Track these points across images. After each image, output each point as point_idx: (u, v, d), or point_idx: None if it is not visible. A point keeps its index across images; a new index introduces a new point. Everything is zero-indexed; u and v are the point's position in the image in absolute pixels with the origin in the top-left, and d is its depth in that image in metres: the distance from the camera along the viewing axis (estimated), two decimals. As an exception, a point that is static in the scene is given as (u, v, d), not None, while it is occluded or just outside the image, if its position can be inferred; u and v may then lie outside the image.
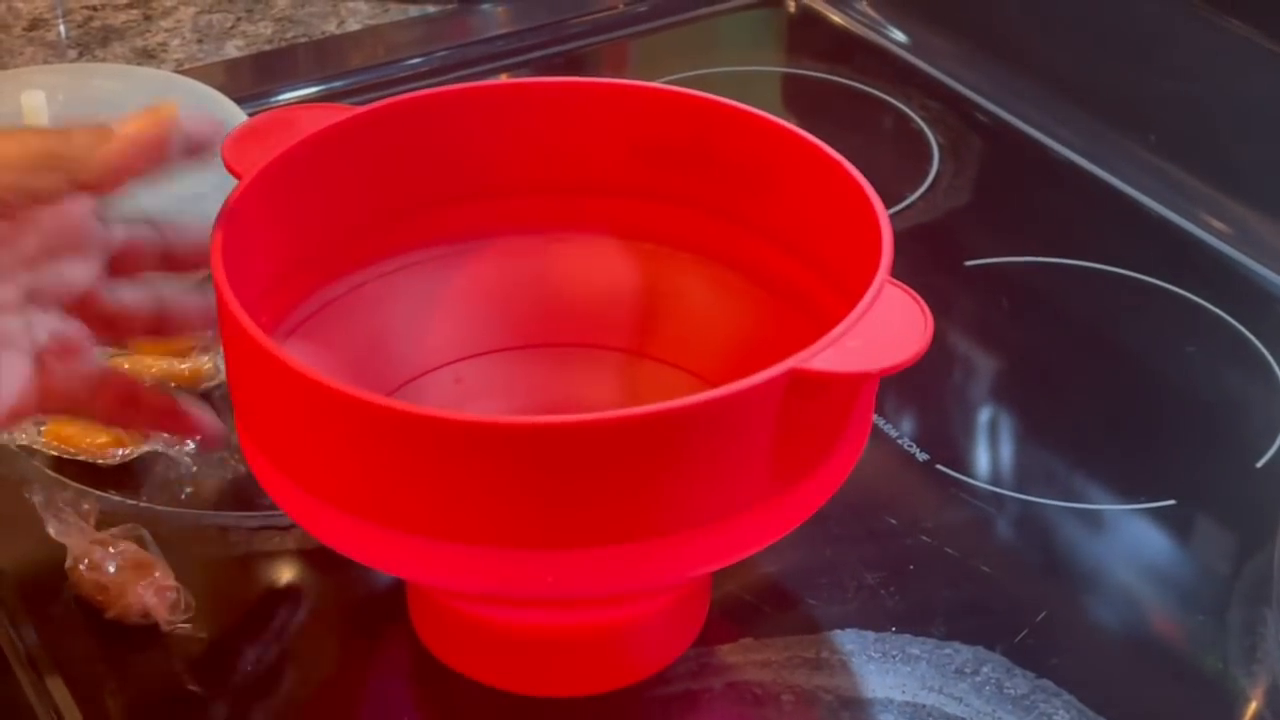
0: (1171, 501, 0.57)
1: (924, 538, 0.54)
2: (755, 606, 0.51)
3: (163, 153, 0.42)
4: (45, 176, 0.41)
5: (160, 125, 0.42)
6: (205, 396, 0.59)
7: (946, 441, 0.59)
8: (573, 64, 0.85)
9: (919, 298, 0.41)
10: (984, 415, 0.63)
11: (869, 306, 0.41)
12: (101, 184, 0.42)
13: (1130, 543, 0.56)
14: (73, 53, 0.82)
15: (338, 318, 0.51)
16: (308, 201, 0.49)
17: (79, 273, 0.44)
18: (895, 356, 0.39)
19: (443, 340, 0.53)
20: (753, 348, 0.42)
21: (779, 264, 0.50)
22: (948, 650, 0.50)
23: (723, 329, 0.52)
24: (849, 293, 0.43)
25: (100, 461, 0.55)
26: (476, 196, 0.53)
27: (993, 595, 0.52)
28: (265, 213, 0.46)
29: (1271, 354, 0.64)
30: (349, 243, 0.51)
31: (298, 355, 0.41)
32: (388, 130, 0.50)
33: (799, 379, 0.38)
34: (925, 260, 0.69)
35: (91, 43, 0.83)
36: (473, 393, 0.52)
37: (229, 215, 0.44)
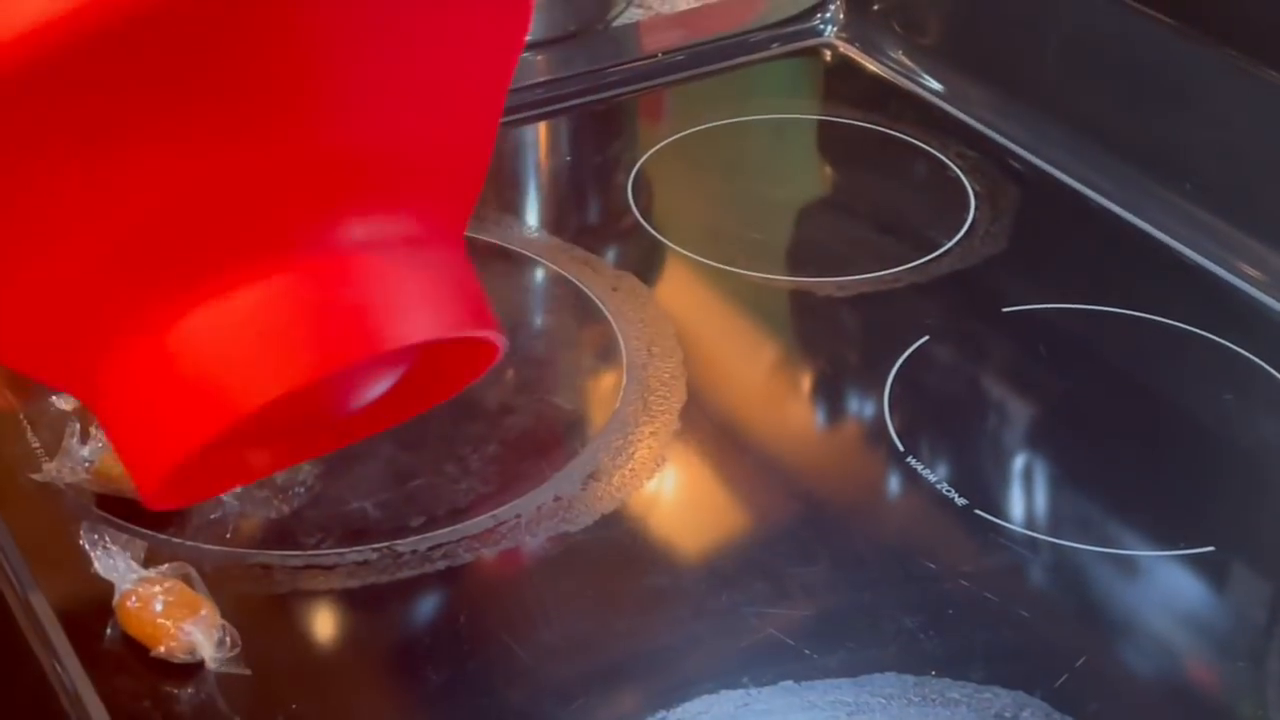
0: (1210, 548, 0.57)
1: (963, 582, 0.54)
2: (795, 649, 0.52)
3: None
4: None
5: None
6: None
7: (984, 486, 0.59)
8: (612, 110, 0.87)
9: None
10: (1022, 460, 0.63)
11: None
12: None
13: (1169, 589, 0.56)
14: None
15: None
16: None
17: None
18: None
19: None
20: None
21: None
22: (987, 694, 0.50)
23: None
24: None
25: (147, 500, 0.56)
26: None
27: (1032, 640, 0.53)
28: None
29: (1309, 402, 0.64)
30: None
31: None
32: None
33: None
34: (963, 306, 0.69)
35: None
36: None
37: None
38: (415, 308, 0.40)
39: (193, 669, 0.50)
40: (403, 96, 0.40)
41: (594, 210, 0.80)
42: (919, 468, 0.60)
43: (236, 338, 0.39)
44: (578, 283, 0.70)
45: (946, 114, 0.86)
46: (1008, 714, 0.49)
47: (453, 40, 0.41)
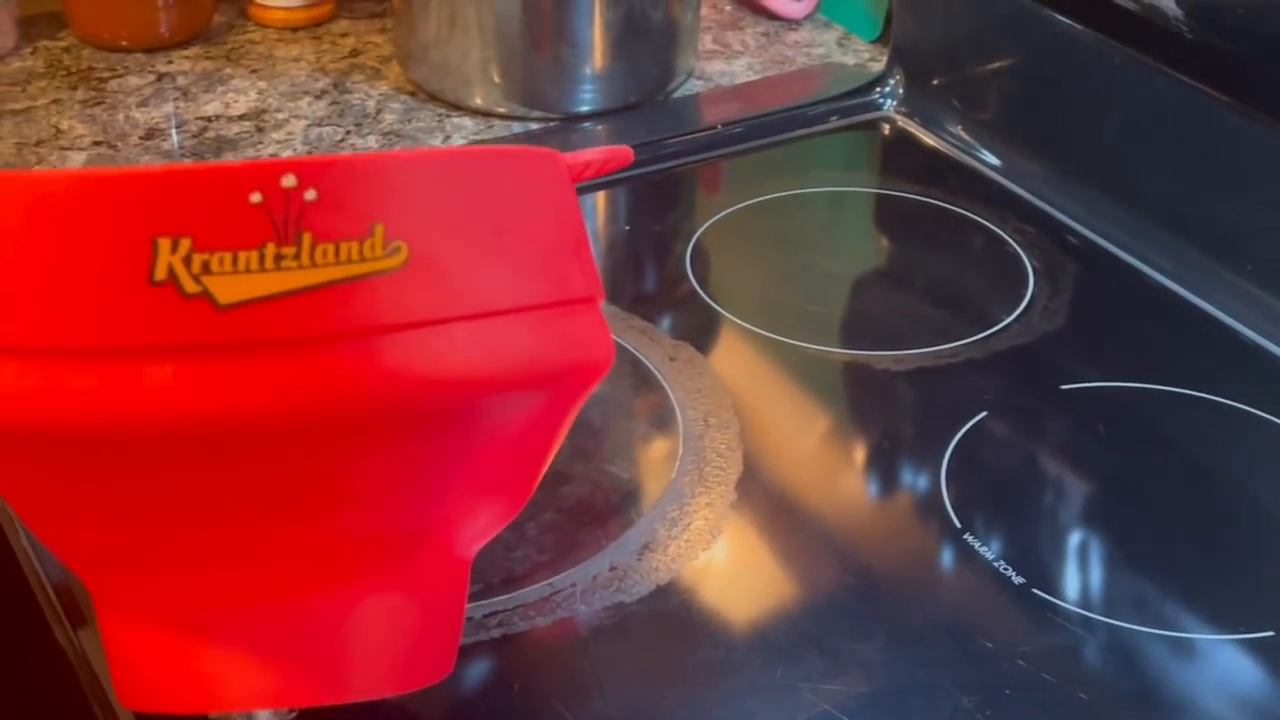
0: (1270, 632, 0.56)
1: (1020, 662, 0.54)
2: (850, 726, 0.51)
3: None
4: None
5: None
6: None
7: (1042, 565, 0.59)
8: (670, 181, 0.87)
9: None
10: (1079, 539, 0.62)
11: None
12: None
13: (1227, 673, 0.55)
14: (187, 162, 0.85)
15: None
16: None
17: None
18: None
19: None
20: None
21: None
22: (1044, 777, 0.50)
23: None
24: None
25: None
26: None
27: (1089, 722, 0.52)
28: None
29: (1372, 485, 0.63)
30: None
31: None
32: None
33: None
34: (1021, 383, 0.69)
35: (205, 152, 0.86)
36: None
37: None
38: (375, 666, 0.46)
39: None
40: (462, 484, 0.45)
41: (652, 279, 0.81)
42: (975, 544, 0.59)
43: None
44: (635, 351, 0.70)
45: (1005, 189, 0.86)
46: (1065, 797, 0.49)
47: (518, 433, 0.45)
